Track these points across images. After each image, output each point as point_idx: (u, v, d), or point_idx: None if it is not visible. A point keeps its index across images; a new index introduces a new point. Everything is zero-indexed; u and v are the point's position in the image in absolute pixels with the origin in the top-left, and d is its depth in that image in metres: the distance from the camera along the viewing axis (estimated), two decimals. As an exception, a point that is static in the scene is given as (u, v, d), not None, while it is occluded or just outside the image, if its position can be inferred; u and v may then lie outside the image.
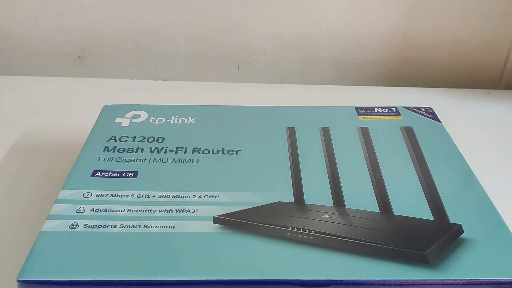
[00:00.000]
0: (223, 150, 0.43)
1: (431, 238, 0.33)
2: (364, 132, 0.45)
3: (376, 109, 0.49)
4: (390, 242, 0.32)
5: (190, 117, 0.47)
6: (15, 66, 0.67)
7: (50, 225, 0.34)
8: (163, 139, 0.44)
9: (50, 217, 0.35)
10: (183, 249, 0.32)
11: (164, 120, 0.47)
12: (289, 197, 0.38)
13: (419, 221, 0.35)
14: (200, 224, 0.35)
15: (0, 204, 0.46)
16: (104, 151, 0.42)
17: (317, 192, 0.38)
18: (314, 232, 0.33)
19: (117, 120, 0.46)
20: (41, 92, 0.66)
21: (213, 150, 0.43)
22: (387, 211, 0.36)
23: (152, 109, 0.48)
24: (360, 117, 0.48)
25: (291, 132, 0.45)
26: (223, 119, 0.47)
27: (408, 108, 0.49)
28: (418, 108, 0.49)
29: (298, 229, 0.34)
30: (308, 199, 0.37)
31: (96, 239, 0.33)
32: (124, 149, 0.42)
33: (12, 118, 0.60)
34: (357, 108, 0.49)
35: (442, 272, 0.31)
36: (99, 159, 0.41)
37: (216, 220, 0.35)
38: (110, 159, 0.41)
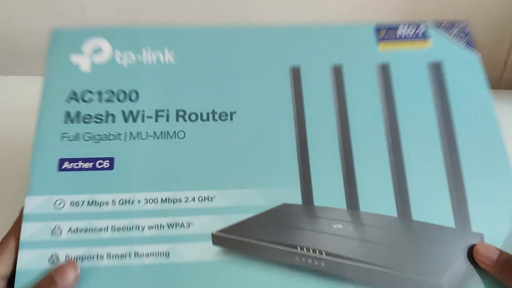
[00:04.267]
0: (213, 113, 0.35)
1: (448, 260, 0.31)
2: (384, 74, 0.37)
3: (400, 30, 0.39)
4: (405, 267, 0.30)
5: (166, 50, 0.37)
6: (15, 66, 0.64)
7: (26, 259, 0.30)
8: (137, 95, 0.35)
9: (23, 245, 0.30)
10: (182, 285, 0.30)
11: (134, 58, 0.36)
12: (295, 194, 0.33)
13: (440, 230, 0.32)
14: (198, 247, 0.31)
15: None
16: (66, 121, 0.34)
17: (328, 185, 0.33)
18: (325, 254, 0.30)
19: (74, 59, 0.36)
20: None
21: (201, 115, 0.35)
22: (405, 212, 0.32)
23: (115, 36, 0.37)
24: (381, 45, 0.38)
25: (295, 78, 0.37)
26: (209, 53, 0.37)
27: (439, 25, 0.39)
28: (452, 25, 0.39)
29: (308, 249, 0.31)
30: (318, 194, 0.33)
31: (82, 277, 0.29)
32: (91, 116, 0.34)
33: (12, 118, 0.58)
34: (377, 28, 0.39)
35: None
36: (62, 137, 0.33)
37: (215, 239, 0.31)
38: (77, 137, 0.33)
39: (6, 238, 0.31)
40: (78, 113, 0.34)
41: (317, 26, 0.39)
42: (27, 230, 0.30)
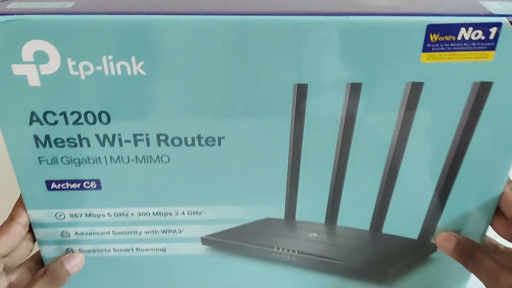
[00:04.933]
0: (199, 138, 0.30)
1: (397, 258, 0.36)
2: (412, 96, 0.29)
3: (462, 32, 0.26)
4: (358, 262, 0.36)
5: (133, 59, 0.27)
6: None
7: (48, 250, 0.35)
8: (108, 117, 0.29)
9: (41, 242, 0.35)
10: (176, 271, 0.37)
11: (92, 68, 0.27)
12: (280, 211, 0.34)
13: (400, 240, 0.36)
14: (189, 245, 0.36)
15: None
16: (37, 145, 0.30)
17: (311, 208, 0.34)
18: (297, 252, 0.36)
19: (17, 71, 0.27)
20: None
21: (186, 139, 0.30)
22: (377, 227, 0.35)
23: (61, 40, 0.26)
24: (426, 56, 0.27)
25: (300, 96, 0.29)
26: (191, 60, 0.28)
27: None
28: (541, 28, 0.26)
29: (283, 249, 0.36)
30: (300, 210, 0.34)
31: (95, 263, 0.36)
32: (63, 140, 0.30)
33: None
34: (430, 28, 0.26)
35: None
36: (40, 161, 0.31)
37: (204, 241, 0.35)
38: (55, 161, 0.31)
39: (7, 222, 0.34)
40: (47, 137, 0.30)
41: (336, 20, 0.27)
42: (40, 233, 0.34)
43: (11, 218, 0.34)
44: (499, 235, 0.36)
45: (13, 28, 0.26)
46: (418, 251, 0.36)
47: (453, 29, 0.27)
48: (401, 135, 0.31)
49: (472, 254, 0.34)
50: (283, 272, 0.37)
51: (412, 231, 0.36)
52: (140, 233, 0.35)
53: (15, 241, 0.33)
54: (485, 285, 0.33)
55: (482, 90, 0.29)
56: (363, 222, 0.35)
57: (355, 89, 0.29)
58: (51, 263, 0.35)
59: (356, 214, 0.35)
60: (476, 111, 0.30)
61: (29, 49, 0.27)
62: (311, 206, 0.34)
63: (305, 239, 0.36)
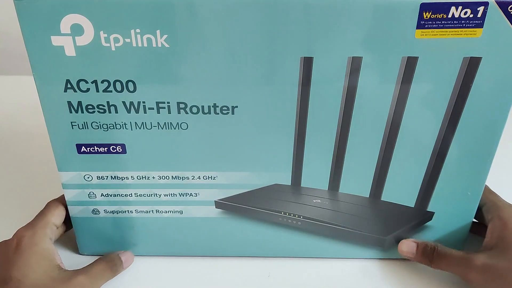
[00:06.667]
0: (215, 106, 0.34)
1: (396, 225, 0.39)
2: (408, 70, 0.32)
3: (452, 11, 0.29)
4: (359, 227, 0.39)
5: (158, 32, 0.31)
6: (15, 66, 0.67)
7: (76, 211, 0.39)
8: (134, 85, 0.33)
9: (70, 202, 0.38)
10: (192, 233, 0.40)
11: (121, 40, 0.31)
12: (287, 178, 0.37)
13: (398, 207, 0.39)
14: (204, 209, 0.39)
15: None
16: (71, 111, 0.34)
17: (316, 175, 0.38)
18: (302, 217, 0.39)
19: (55, 41, 0.31)
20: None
21: (202, 108, 0.34)
22: (376, 194, 0.38)
23: (96, 14, 0.30)
24: (420, 32, 0.30)
25: (306, 69, 0.32)
26: (208, 35, 0.31)
27: (505, 5, 0.29)
28: (524, 7, 0.29)
29: (290, 214, 0.39)
30: (306, 180, 0.37)
31: (118, 223, 0.40)
32: (93, 107, 0.34)
33: (12, 118, 0.63)
34: (423, 7, 0.29)
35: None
36: (72, 126, 0.34)
37: (217, 205, 0.39)
38: (85, 126, 0.34)
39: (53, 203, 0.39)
40: (79, 103, 0.34)
41: (339, 1, 0.30)
42: (70, 194, 0.38)
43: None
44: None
45: (54, 3, 0.30)
46: (415, 218, 0.39)
47: (444, 7, 0.30)
48: (398, 106, 0.34)
49: (433, 254, 0.38)
50: (290, 235, 0.40)
51: (409, 199, 0.39)
52: (160, 196, 0.39)
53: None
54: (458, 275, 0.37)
55: (471, 65, 0.32)
56: (363, 189, 0.38)
57: (355, 62, 0.32)
58: (108, 253, 0.39)
59: (357, 182, 0.38)
60: (466, 84, 0.33)
61: (67, 22, 0.31)
62: (316, 173, 0.37)
63: (309, 204, 0.39)
